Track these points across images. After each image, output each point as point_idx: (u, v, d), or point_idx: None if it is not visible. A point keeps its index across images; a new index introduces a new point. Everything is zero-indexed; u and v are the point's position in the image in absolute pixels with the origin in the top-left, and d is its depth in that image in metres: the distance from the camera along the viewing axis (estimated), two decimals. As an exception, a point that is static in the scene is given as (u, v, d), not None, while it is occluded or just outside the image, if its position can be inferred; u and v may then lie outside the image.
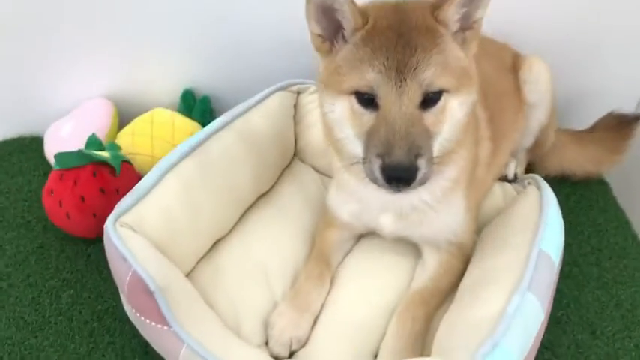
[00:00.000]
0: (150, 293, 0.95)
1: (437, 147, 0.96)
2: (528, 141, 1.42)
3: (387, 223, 1.14)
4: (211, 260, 1.19)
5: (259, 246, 1.22)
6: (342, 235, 1.23)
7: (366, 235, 1.26)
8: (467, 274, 1.12)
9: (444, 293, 1.12)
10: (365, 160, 0.93)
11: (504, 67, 1.33)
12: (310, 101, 1.42)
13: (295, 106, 1.42)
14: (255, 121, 1.30)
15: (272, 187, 1.38)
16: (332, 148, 1.09)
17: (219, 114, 1.55)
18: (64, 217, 1.23)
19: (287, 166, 1.44)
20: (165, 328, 0.96)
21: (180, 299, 1.00)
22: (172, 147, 1.39)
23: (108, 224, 1.02)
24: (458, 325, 0.97)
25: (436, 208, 1.10)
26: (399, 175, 0.89)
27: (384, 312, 1.12)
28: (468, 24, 0.97)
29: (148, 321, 0.97)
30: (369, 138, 0.93)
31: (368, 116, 0.93)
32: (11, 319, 1.16)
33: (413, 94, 0.90)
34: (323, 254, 1.20)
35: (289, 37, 1.46)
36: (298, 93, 1.42)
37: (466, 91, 0.96)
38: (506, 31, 1.39)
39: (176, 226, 1.10)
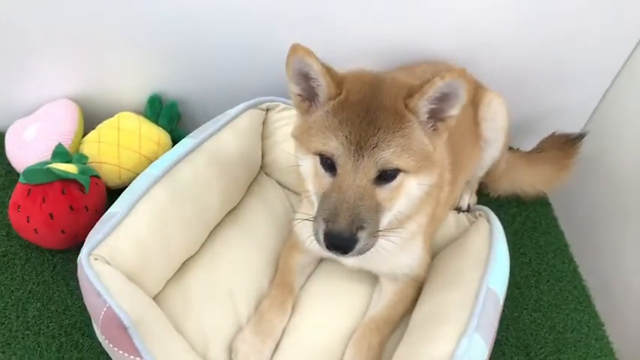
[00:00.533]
0: (124, 328, 0.99)
1: (388, 219, 1.03)
2: (481, 172, 1.51)
3: (348, 261, 1.22)
4: (179, 282, 1.23)
5: (225, 267, 1.27)
6: (306, 259, 1.29)
7: (327, 259, 1.33)
8: (418, 308, 1.21)
9: (397, 321, 1.21)
10: (314, 219, 1.00)
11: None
12: (279, 119, 1.45)
13: (264, 122, 1.44)
14: (226, 140, 1.32)
15: (239, 203, 1.41)
16: (303, 194, 1.16)
17: (188, 120, 1.58)
18: (31, 232, 1.24)
19: (254, 179, 1.47)
20: (138, 359, 1.01)
21: (152, 331, 1.04)
22: (140, 157, 1.42)
23: (82, 258, 1.04)
24: None
25: (396, 253, 1.18)
26: (337, 243, 0.96)
27: (342, 338, 1.20)
28: (439, 117, 1.01)
29: (121, 352, 1.01)
30: (322, 199, 1.00)
31: (327, 179, 1.00)
32: (-23, 333, 1.18)
33: (368, 170, 0.96)
34: (286, 280, 1.26)
35: (261, 47, 1.49)
36: (267, 110, 1.44)
37: (426, 173, 1.02)
38: (462, 58, 1.45)
39: (148, 254, 1.13)
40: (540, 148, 1.63)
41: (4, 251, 1.32)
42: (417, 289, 1.25)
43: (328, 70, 0.99)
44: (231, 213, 1.39)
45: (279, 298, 1.22)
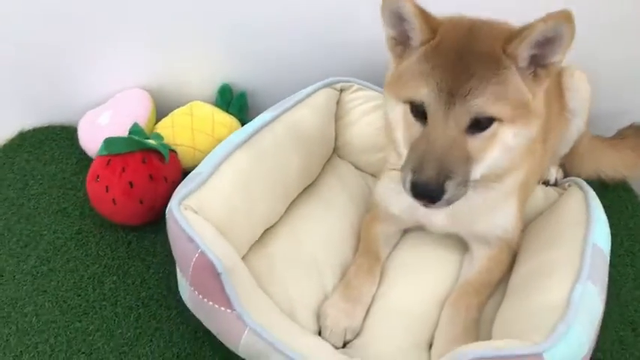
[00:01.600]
0: (217, 275, 0.94)
1: (480, 171, 0.97)
2: (566, 147, 1.45)
3: (438, 220, 1.16)
4: (262, 249, 1.18)
5: (307, 238, 1.22)
6: (389, 229, 1.24)
7: (411, 230, 1.28)
8: (518, 268, 1.14)
9: (494, 285, 1.14)
10: (403, 169, 0.96)
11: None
12: (352, 99, 1.43)
13: (337, 103, 1.43)
14: (303, 115, 1.31)
15: (314, 182, 1.38)
16: (390, 145, 1.11)
17: (255, 111, 1.57)
18: (109, 203, 1.21)
19: (327, 161, 1.44)
20: (229, 311, 0.96)
21: (243, 283, 1.00)
22: (213, 140, 1.41)
23: (172, 205, 1.01)
24: (520, 313, 0.99)
25: (489, 212, 1.13)
26: (424, 194, 0.91)
27: (435, 303, 1.13)
28: (542, 63, 0.96)
29: (210, 303, 0.97)
30: (411, 149, 0.96)
31: (417, 128, 0.96)
32: (54, 303, 1.14)
33: (459, 119, 0.91)
34: (371, 248, 1.20)
35: (326, 35, 1.50)
36: (341, 90, 1.43)
37: (524, 123, 0.96)
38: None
39: (233, 212, 1.09)
40: (622, 135, 1.57)
41: (78, 229, 1.29)
42: (511, 256, 1.18)
43: (422, 13, 0.95)
44: (308, 189, 1.35)
45: (365, 265, 1.17)
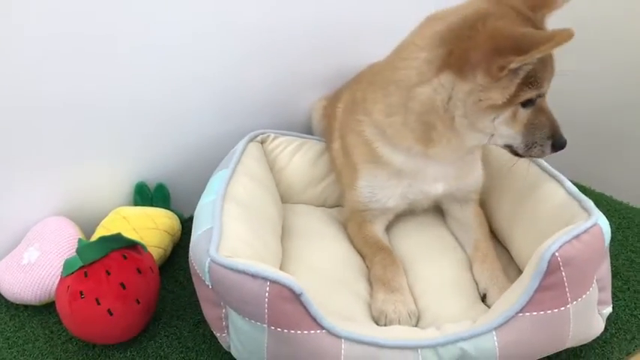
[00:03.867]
0: (297, 297, 0.90)
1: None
2: None
3: (438, 188, 1.25)
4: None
5: (319, 261, 1.23)
6: (379, 228, 1.31)
7: (392, 226, 1.35)
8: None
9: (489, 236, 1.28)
10: (533, 146, 1.08)
11: None
12: (274, 147, 1.49)
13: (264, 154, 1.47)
14: (249, 164, 1.32)
15: (284, 225, 1.37)
16: (405, 134, 1.15)
17: (176, 199, 1.53)
18: (105, 316, 1.05)
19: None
20: (319, 331, 0.91)
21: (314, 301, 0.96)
22: (161, 232, 1.37)
23: (212, 254, 0.94)
24: (536, 219, 1.15)
25: (472, 162, 1.28)
26: (564, 143, 1.08)
27: (461, 269, 1.21)
28: None
29: (299, 332, 0.91)
30: (530, 128, 1.07)
31: (525, 114, 1.07)
32: None
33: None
34: (378, 246, 1.24)
35: (221, 106, 1.55)
36: (262, 143, 1.48)
37: None
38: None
39: (257, 254, 1.05)
40: None
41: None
42: None
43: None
44: (285, 232, 1.35)
45: (387, 259, 1.19)
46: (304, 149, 1.49)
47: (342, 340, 0.91)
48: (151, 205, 1.46)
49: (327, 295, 1.10)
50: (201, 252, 0.99)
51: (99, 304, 1.06)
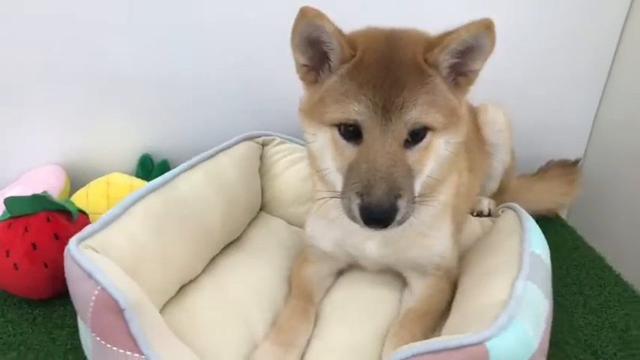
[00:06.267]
0: (119, 312, 0.83)
1: (419, 185, 0.93)
2: (495, 184, 1.45)
3: (372, 249, 1.08)
4: (181, 303, 1.08)
5: (234, 289, 1.12)
6: (321, 271, 1.16)
7: (345, 272, 1.20)
8: (460, 286, 1.06)
9: (436, 314, 1.05)
10: (344, 196, 0.89)
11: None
12: (275, 153, 1.40)
13: (261, 157, 1.39)
14: (224, 164, 1.26)
15: (241, 236, 1.30)
16: (315, 175, 1.06)
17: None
18: (10, 269, 1.09)
19: (254, 219, 1.37)
20: (136, 355, 0.83)
21: (152, 324, 0.87)
22: None
23: (70, 245, 0.91)
24: (466, 314, 0.90)
25: (425, 233, 1.07)
26: (377, 217, 0.85)
27: (376, 338, 1.03)
28: (462, 71, 0.95)
29: (114, 349, 0.84)
30: (349, 172, 0.89)
31: (350, 149, 0.90)
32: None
33: (398, 133, 0.87)
34: (304, 291, 1.11)
35: (243, 98, 1.49)
36: (264, 145, 1.40)
37: (454, 129, 0.94)
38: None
39: (144, 256, 0.99)
40: (544, 170, 1.60)
41: (-24, 310, 1.15)
42: (450, 284, 1.10)
43: (340, 31, 0.92)
44: (235, 243, 1.28)
45: (299, 306, 1.07)
46: (304, 163, 1.38)
47: (158, 374, 0.82)
48: (149, 179, 1.47)
49: (214, 330, 1.02)
50: (79, 232, 0.96)
51: (8, 256, 1.09)
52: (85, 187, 1.39)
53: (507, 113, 1.40)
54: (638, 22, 1.54)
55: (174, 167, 1.50)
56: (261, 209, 1.42)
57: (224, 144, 1.30)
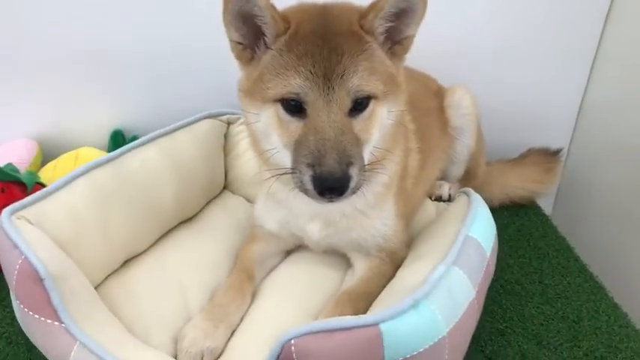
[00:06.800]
0: (39, 281, 0.85)
1: (367, 154, 0.92)
2: (459, 169, 1.42)
3: (314, 231, 1.08)
4: (121, 275, 1.10)
5: (176, 264, 1.14)
6: (267, 249, 1.16)
7: (292, 251, 1.20)
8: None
9: (373, 296, 1.03)
10: (294, 170, 0.88)
11: (430, 90, 1.36)
12: (240, 131, 1.40)
13: (225, 136, 1.40)
14: (182, 141, 1.27)
15: (197, 214, 1.31)
16: (259, 158, 1.05)
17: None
18: (-37, 238, 1.13)
19: (216, 197, 1.38)
20: (56, 323, 0.86)
21: (76, 294, 0.90)
22: None
23: (3, 215, 0.93)
24: (386, 296, 0.89)
25: (367, 213, 1.06)
26: (331, 185, 0.84)
27: (310, 317, 1.03)
28: (397, 39, 0.94)
29: (37, 316, 0.86)
30: (297, 147, 0.88)
31: (295, 124, 0.89)
32: None
33: (342, 102, 0.87)
34: (245, 267, 1.12)
35: (216, 73, 1.50)
36: (229, 123, 1.41)
37: (393, 98, 0.94)
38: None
39: (83, 228, 1.02)
40: (523, 156, 1.56)
41: None
42: (393, 268, 1.08)
43: (272, 5, 0.90)
44: (188, 222, 1.29)
45: (236, 282, 1.07)
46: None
47: (77, 343, 0.84)
48: (120, 154, 1.49)
49: (148, 302, 1.04)
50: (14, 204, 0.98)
51: (-41, 225, 1.12)
52: (54, 160, 1.42)
53: (475, 97, 1.37)
54: (625, 7, 1.47)
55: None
56: (225, 187, 1.42)
57: (184, 120, 1.30)
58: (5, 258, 0.90)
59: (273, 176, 0.96)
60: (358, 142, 0.88)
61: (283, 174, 0.92)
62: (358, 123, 0.90)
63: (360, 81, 0.87)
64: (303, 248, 1.18)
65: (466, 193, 1.18)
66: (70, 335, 0.84)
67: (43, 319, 0.86)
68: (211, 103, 1.48)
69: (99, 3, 1.41)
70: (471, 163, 1.40)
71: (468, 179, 1.43)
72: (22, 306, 0.88)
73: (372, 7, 0.90)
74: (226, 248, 1.20)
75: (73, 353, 0.84)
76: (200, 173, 1.30)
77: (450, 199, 1.37)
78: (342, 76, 0.86)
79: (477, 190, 1.29)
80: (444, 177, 1.43)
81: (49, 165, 1.41)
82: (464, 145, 1.37)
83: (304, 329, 0.73)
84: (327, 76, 0.86)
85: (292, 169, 0.89)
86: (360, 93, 0.88)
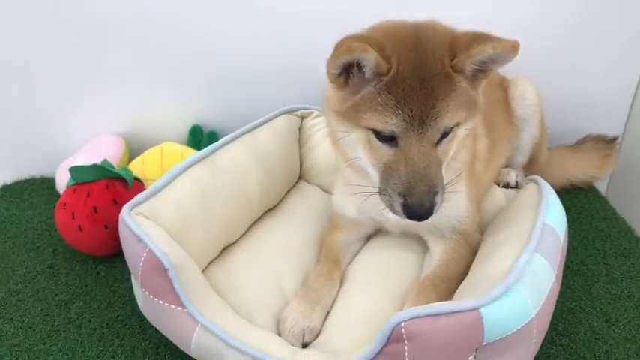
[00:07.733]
0: (164, 271, 0.96)
1: (445, 170, 1.01)
2: (524, 157, 1.49)
3: (393, 216, 1.16)
4: (222, 263, 1.20)
5: (269, 251, 1.24)
6: (349, 236, 1.25)
7: (372, 236, 1.29)
8: (479, 252, 1.14)
9: (454, 279, 1.12)
10: (384, 192, 0.98)
11: (493, 82, 1.41)
12: (313, 124, 1.49)
13: (300, 129, 1.49)
14: (263, 137, 1.36)
15: (279, 203, 1.41)
16: (338, 149, 1.14)
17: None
18: (75, 230, 1.25)
19: (293, 187, 1.48)
20: (179, 308, 0.96)
21: (194, 281, 1.01)
22: None
23: (123, 212, 1.04)
24: (474, 281, 0.98)
25: None
26: (419, 214, 0.95)
27: (396, 301, 1.12)
28: (482, 69, 1.00)
29: (161, 302, 0.97)
30: (387, 171, 0.98)
31: (385, 150, 0.98)
32: (19, 329, 1.15)
33: (432, 138, 0.96)
34: (331, 254, 1.21)
35: (289, 72, 1.58)
36: (302, 118, 1.50)
37: (472, 118, 1.03)
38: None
39: (189, 222, 1.12)
40: (581, 143, 1.63)
41: (50, 264, 1.32)
42: (469, 250, 1.17)
43: (378, 53, 0.93)
44: (273, 210, 1.39)
45: (325, 269, 1.17)
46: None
47: (198, 325, 0.95)
48: (199, 148, 1.60)
49: (249, 286, 1.14)
50: (130, 201, 1.09)
51: (73, 218, 1.25)
52: (141, 156, 1.53)
53: (537, 88, 1.43)
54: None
55: (222, 137, 1.64)
56: (300, 178, 1.52)
57: (264, 117, 1.40)
58: (129, 249, 1.01)
59: (360, 193, 1.06)
60: (440, 166, 0.98)
61: (374, 194, 1.02)
62: (441, 148, 1.00)
63: (450, 120, 0.96)
64: (381, 234, 1.27)
65: (535, 181, 1.25)
66: (192, 319, 0.95)
67: (167, 304, 0.97)
68: (282, 99, 1.58)
69: (183, 10, 1.51)
70: (535, 150, 1.47)
71: (531, 166, 1.50)
72: (147, 293, 0.99)
73: (464, 46, 0.94)
74: (309, 235, 1.30)
75: (195, 335, 0.95)
76: (280, 166, 1.40)
77: (517, 186, 1.44)
78: (435, 118, 0.94)
79: (538, 175, 1.38)
80: (509, 164, 1.49)
81: (137, 160, 1.51)
82: (529, 135, 1.44)
83: (412, 313, 0.81)
84: (422, 119, 0.94)
85: (382, 190, 0.99)
86: (448, 128, 0.97)
